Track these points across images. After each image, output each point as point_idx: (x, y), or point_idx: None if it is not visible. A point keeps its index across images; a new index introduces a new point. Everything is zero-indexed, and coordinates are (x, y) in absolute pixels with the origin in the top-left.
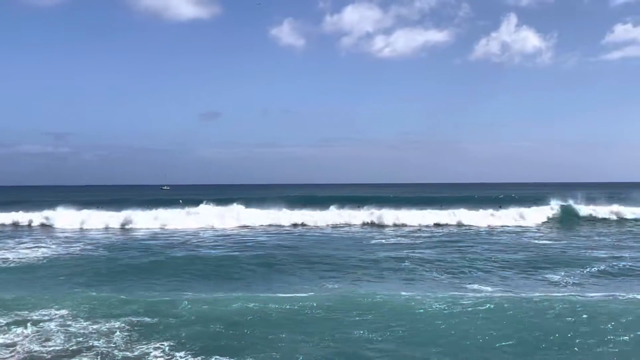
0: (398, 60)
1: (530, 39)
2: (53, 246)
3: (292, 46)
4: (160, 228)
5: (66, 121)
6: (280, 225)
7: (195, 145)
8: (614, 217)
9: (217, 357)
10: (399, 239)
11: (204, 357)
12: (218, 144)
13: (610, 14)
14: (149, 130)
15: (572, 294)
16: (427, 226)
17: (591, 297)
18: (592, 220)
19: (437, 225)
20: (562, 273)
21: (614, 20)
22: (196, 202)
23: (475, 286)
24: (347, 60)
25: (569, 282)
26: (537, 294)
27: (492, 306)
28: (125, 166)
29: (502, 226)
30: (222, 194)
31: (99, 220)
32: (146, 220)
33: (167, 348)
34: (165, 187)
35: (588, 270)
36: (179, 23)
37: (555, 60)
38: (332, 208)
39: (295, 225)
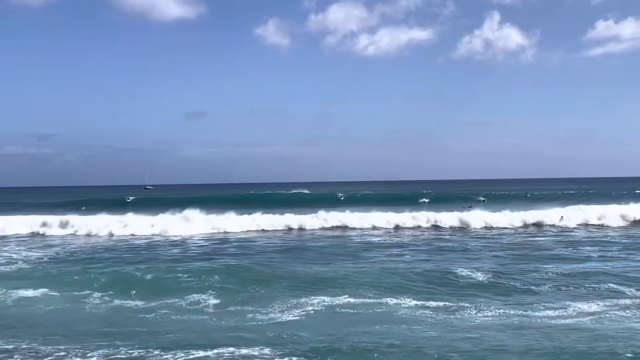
0: (382, 58)
1: (513, 37)
2: None
3: (277, 45)
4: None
5: (50, 122)
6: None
7: (181, 145)
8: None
9: None
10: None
11: None
12: (204, 144)
13: (592, 11)
14: (134, 130)
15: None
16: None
17: None
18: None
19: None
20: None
21: (596, 16)
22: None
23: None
24: (331, 58)
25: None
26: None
27: None
28: (110, 166)
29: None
30: (199, 194)
31: None
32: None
33: None
34: (149, 187)
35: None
36: (165, 23)
37: (538, 57)
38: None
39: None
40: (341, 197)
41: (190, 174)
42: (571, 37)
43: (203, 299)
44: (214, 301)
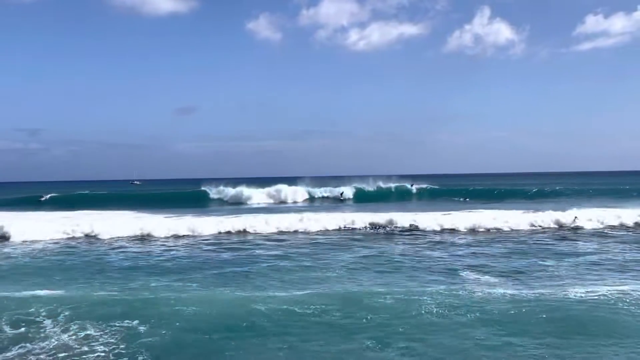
0: (372, 53)
1: (503, 31)
2: None
3: (268, 40)
4: None
5: (38, 117)
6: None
7: (171, 140)
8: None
9: None
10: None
11: None
12: (194, 138)
13: (582, 5)
14: (123, 125)
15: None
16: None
17: None
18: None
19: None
20: None
21: (585, 11)
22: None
23: None
24: (322, 53)
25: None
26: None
27: None
28: (99, 161)
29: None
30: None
31: None
32: None
33: None
34: (136, 182)
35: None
36: (156, 17)
37: (528, 52)
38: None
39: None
40: (342, 195)
41: (181, 168)
42: (561, 32)
43: None
44: None
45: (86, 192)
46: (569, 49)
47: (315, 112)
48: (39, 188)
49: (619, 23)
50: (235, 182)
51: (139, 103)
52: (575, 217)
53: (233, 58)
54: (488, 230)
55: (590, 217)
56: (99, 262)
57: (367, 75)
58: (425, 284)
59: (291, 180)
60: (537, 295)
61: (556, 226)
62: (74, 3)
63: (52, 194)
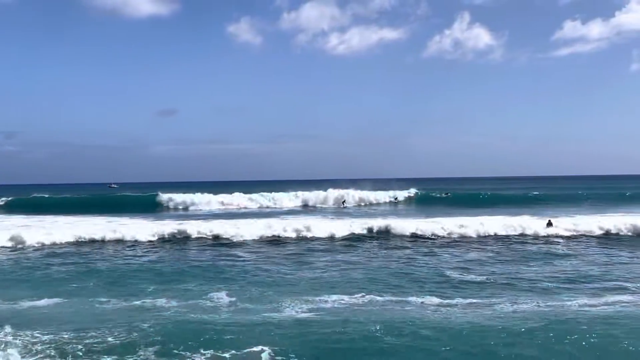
0: (352, 57)
1: (483, 37)
2: None
3: (249, 43)
4: None
5: (15, 120)
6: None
7: (151, 142)
8: None
9: None
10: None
11: None
12: (173, 141)
13: (560, 11)
14: (103, 127)
15: None
16: None
17: None
18: None
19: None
20: None
21: (564, 16)
22: None
23: None
24: (302, 57)
25: None
26: None
27: None
28: (78, 164)
29: None
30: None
31: None
32: None
33: None
34: (113, 185)
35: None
36: (137, 19)
37: (507, 56)
38: None
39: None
40: (344, 204)
41: (160, 171)
42: (539, 37)
43: None
44: None
45: (45, 195)
46: (547, 54)
47: (294, 116)
48: (10, 191)
49: (596, 29)
50: (214, 185)
51: (119, 105)
52: (549, 221)
53: (213, 61)
54: (470, 236)
55: (565, 223)
56: None
57: (347, 79)
58: (416, 292)
59: (272, 184)
60: (529, 304)
61: (534, 232)
62: (52, 4)
63: (4, 198)
